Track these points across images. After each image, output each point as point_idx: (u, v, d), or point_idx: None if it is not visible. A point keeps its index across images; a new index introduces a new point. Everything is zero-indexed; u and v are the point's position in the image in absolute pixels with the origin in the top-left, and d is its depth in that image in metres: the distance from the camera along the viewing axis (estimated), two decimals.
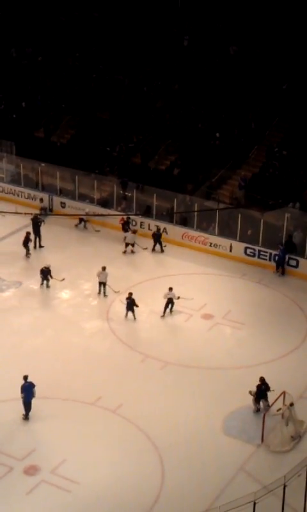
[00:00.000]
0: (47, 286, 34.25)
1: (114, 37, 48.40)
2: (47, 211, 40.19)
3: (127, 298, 31.73)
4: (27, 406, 26.14)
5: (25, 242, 36.71)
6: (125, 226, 38.31)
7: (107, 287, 33.57)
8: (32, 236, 37.09)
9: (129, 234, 37.56)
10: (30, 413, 26.13)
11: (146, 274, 35.37)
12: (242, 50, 45.85)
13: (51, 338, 30.77)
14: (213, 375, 28.67)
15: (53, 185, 41.72)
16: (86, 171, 41.72)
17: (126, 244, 37.41)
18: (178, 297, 32.20)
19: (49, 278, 34.12)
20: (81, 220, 39.57)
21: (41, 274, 34.14)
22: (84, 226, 39.57)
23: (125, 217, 38.56)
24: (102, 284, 33.61)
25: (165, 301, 32.18)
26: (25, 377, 26.24)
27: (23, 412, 26.13)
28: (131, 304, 31.66)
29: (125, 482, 23.70)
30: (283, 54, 44.48)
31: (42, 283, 34.24)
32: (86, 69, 48.17)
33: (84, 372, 28.56)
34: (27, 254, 36.77)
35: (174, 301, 32.18)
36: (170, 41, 47.47)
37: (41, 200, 40.97)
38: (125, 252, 37.39)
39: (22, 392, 26.12)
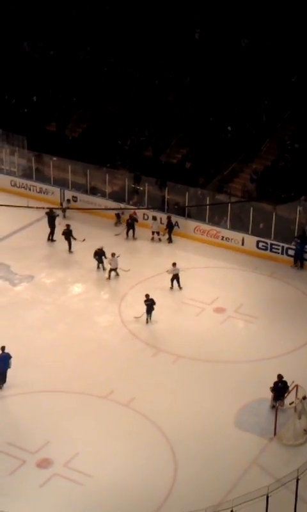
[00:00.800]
0: (104, 268, 34.37)
1: (125, 30, 48.30)
2: (65, 210, 39.88)
3: (146, 300, 31.21)
4: (2, 376, 26.64)
5: (67, 236, 36.48)
6: (132, 221, 38.24)
7: (118, 270, 33.93)
8: (48, 228, 37.18)
9: (155, 223, 37.82)
10: (4, 385, 26.70)
11: (157, 268, 35.29)
12: (254, 43, 45.68)
13: (64, 332, 30.81)
14: (225, 368, 28.68)
15: (65, 179, 41.68)
16: (98, 164, 41.72)
17: (153, 233, 37.74)
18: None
19: (104, 259, 34.24)
20: (118, 216, 39.19)
21: (95, 256, 34.38)
22: (119, 221, 39.15)
23: (132, 213, 38.52)
24: (113, 270, 33.93)
25: (170, 276, 32.90)
26: (3, 348, 26.71)
27: None
28: (151, 305, 31.15)
29: (138, 475, 23.78)
30: (294, 46, 44.27)
31: (98, 267, 34.45)
32: (97, 63, 48.06)
33: (97, 366, 28.62)
34: (70, 250, 36.53)
35: (180, 275, 32.89)
36: (181, 34, 47.30)
37: (69, 200, 40.59)
38: (152, 239, 37.74)
39: None
